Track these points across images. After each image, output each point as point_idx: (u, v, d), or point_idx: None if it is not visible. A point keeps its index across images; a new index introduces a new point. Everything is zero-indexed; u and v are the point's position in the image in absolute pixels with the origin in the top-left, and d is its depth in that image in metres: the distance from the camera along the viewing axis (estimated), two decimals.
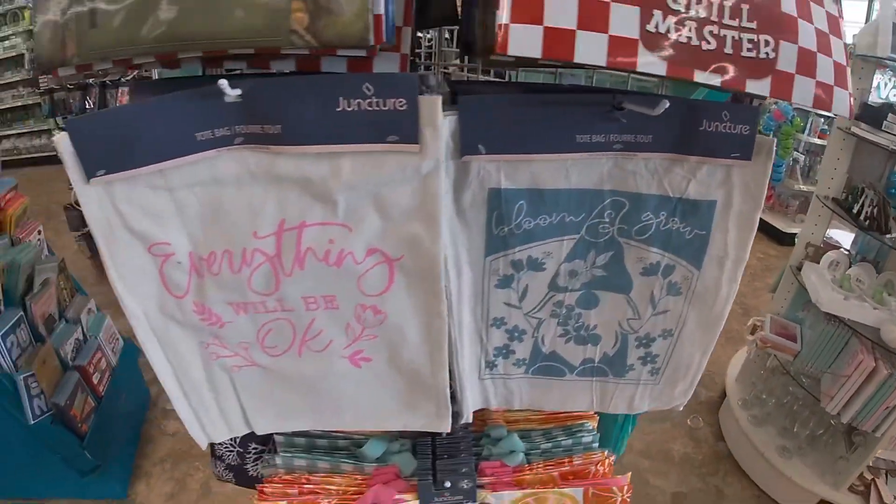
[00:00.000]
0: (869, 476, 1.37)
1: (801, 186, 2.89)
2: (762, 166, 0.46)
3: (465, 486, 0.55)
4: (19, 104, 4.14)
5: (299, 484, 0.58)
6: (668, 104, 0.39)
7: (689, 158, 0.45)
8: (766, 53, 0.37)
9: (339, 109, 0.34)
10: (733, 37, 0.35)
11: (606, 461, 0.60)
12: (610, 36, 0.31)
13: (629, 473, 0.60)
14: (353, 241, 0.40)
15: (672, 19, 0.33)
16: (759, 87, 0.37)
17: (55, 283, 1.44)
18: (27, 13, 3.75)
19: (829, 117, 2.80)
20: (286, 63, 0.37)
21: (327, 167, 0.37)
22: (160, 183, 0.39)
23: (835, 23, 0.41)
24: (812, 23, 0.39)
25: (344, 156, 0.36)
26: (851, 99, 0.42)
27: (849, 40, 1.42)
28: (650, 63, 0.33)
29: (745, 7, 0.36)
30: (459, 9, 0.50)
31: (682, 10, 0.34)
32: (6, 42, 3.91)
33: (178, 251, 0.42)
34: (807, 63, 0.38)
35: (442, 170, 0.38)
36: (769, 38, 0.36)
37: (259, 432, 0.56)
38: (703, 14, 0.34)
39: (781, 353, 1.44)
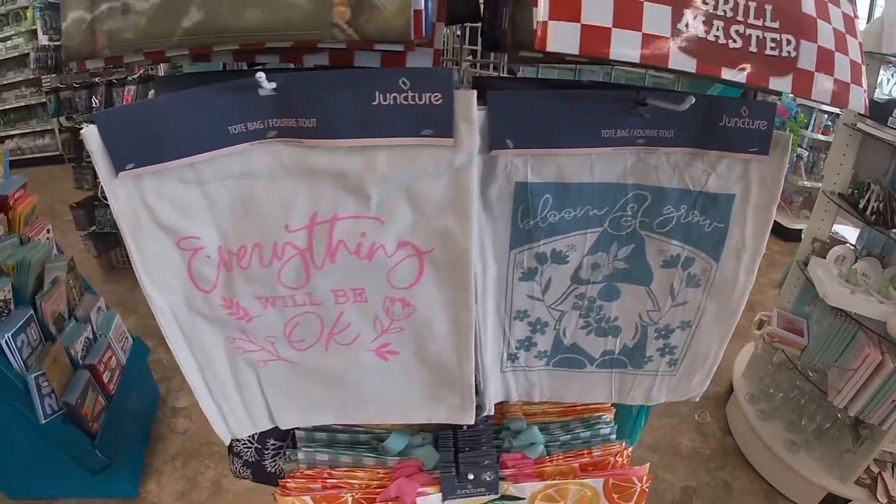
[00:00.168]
0: (875, 469, 1.38)
1: (805, 182, 2.90)
2: (778, 161, 0.47)
3: (488, 478, 0.56)
4: (22, 104, 4.14)
5: (322, 478, 0.59)
6: (693, 100, 0.40)
7: (709, 153, 0.46)
8: (788, 52, 0.38)
9: (374, 103, 0.34)
10: (758, 36, 0.36)
11: (625, 452, 0.61)
12: (643, 34, 0.32)
13: (647, 464, 0.60)
14: (384, 234, 0.41)
15: (701, 18, 0.34)
16: (781, 84, 0.38)
17: (65, 282, 1.45)
18: (29, 13, 3.75)
19: (832, 113, 2.81)
20: (319, 57, 0.38)
21: (361, 161, 0.37)
22: (191, 177, 0.39)
23: (850, 22, 0.42)
24: (830, 23, 0.40)
25: (378, 149, 0.37)
26: (866, 96, 0.43)
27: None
28: (681, 60, 0.34)
29: (768, 7, 0.37)
30: (482, 6, 0.51)
31: (711, 10, 0.34)
32: (8, 42, 3.91)
33: (207, 245, 0.42)
34: (825, 61, 0.39)
35: (475, 163, 0.38)
36: (791, 37, 0.37)
37: (283, 427, 0.56)
38: (729, 14, 0.35)
39: (788, 347, 1.45)
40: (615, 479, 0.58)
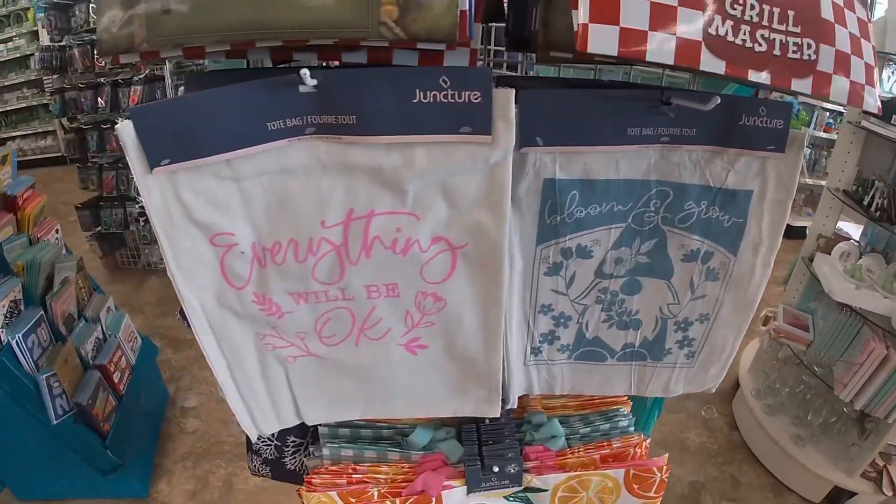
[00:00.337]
0: (881, 462, 1.39)
1: (808, 180, 2.92)
2: (794, 158, 0.48)
3: (513, 471, 0.57)
4: (24, 105, 4.13)
5: (347, 474, 0.59)
6: (719, 100, 0.41)
7: (728, 150, 0.47)
8: (809, 55, 0.39)
9: (415, 101, 0.35)
10: (781, 40, 0.38)
11: (643, 444, 0.62)
12: (677, 37, 0.33)
13: (666, 454, 0.61)
14: (419, 230, 0.41)
15: (730, 23, 0.36)
16: (802, 85, 0.40)
17: (74, 282, 1.45)
18: (31, 14, 3.74)
19: (834, 111, 2.83)
20: (358, 55, 0.38)
21: (400, 157, 0.38)
22: (226, 173, 0.38)
23: (864, 27, 0.44)
24: (846, 27, 0.42)
25: (417, 146, 0.38)
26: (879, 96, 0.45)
27: None
28: (711, 62, 0.35)
29: (790, 13, 0.38)
30: (506, 7, 0.52)
31: (739, 16, 0.36)
32: (10, 43, 3.91)
33: (241, 241, 0.42)
34: (843, 64, 0.41)
35: (510, 160, 0.39)
36: (811, 41, 0.39)
37: (310, 423, 0.56)
38: (755, 19, 0.37)
39: (795, 342, 1.47)
40: (636, 469, 0.59)
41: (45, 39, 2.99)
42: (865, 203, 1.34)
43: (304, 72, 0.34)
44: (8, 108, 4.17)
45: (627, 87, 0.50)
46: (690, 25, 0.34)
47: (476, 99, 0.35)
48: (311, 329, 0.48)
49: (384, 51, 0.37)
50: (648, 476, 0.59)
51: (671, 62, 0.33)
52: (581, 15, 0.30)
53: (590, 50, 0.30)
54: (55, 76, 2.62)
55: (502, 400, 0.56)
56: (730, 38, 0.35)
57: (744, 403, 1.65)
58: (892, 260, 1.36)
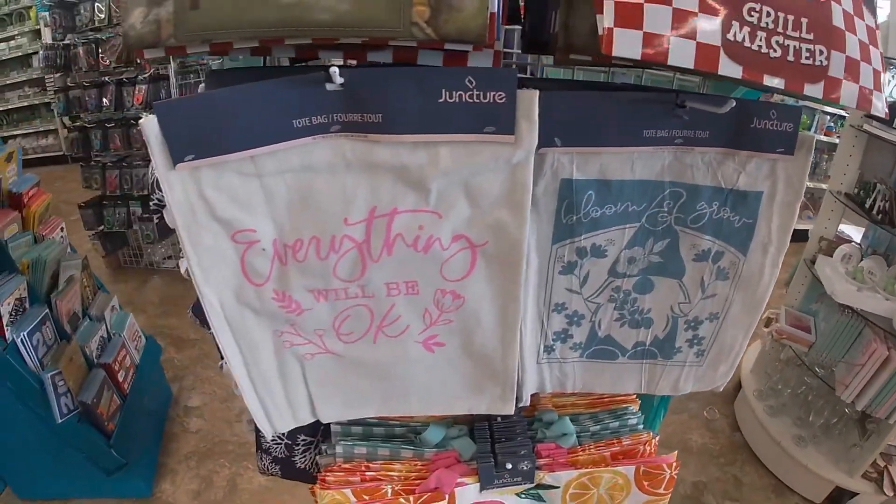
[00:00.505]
0: (882, 463, 1.40)
1: (808, 183, 2.93)
2: (803, 160, 0.50)
3: (525, 468, 0.58)
4: (25, 104, 4.12)
5: (360, 472, 0.59)
6: (734, 103, 0.42)
7: (739, 153, 0.48)
8: (821, 61, 0.40)
9: (441, 101, 0.36)
10: (794, 46, 0.39)
11: (653, 441, 0.63)
12: (697, 43, 0.34)
13: (675, 452, 0.62)
14: (441, 228, 0.42)
15: (747, 29, 0.37)
16: (814, 90, 0.41)
17: (79, 281, 1.45)
18: (33, 13, 3.74)
19: (834, 115, 2.85)
20: (383, 54, 0.39)
21: (424, 156, 0.39)
22: (250, 169, 0.39)
23: (872, 34, 0.45)
24: (856, 34, 0.43)
25: (441, 145, 0.38)
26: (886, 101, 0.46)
27: None
28: (729, 67, 0.36)
29: (804, 21, 0.39)
30: (522, 9, 0.52)
31: (755, 22, 0.37)
32: (12, 42, 3.90)
33: (262, 238, 0.42)
34: (853, 70, 0.42)
35: (532, 160, 0.40)
36: (823, 47, 0.40)
37: (325, 421, 0.56)
38: (771, 26, 0.38)
39: (797, 344, 1.48)
40: (646, 466, 0.60)
41: (48, 38, 3.00)
42: (867, 206, 1.35)
43: (334, 70, 0.34)
44: (9, 107, 4.16)
45: (640, 89, 0.51)
46: (710, 31, 0.35)
47: (501, 99, 0.36)
48: (329, 326, 0.49)
49: (410, 50, 0.38)
50: (658, 473, 0.60)
51: (691, 66, 0.34)
52: (606, 19, 0.31)
53: (615, 53, 0.31)
54: (58, 75, 2.62)
55: (516, 398, 0.57)
56: (747, 43, 0.37)
57: (746, 404, 1.66)
58: (894, 262, 1.38)
